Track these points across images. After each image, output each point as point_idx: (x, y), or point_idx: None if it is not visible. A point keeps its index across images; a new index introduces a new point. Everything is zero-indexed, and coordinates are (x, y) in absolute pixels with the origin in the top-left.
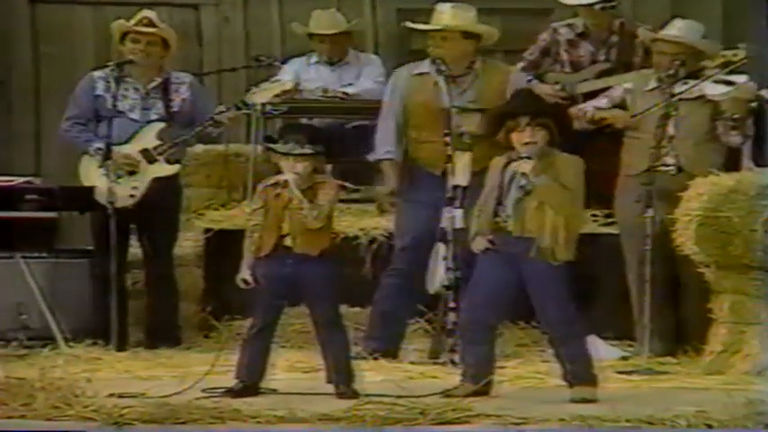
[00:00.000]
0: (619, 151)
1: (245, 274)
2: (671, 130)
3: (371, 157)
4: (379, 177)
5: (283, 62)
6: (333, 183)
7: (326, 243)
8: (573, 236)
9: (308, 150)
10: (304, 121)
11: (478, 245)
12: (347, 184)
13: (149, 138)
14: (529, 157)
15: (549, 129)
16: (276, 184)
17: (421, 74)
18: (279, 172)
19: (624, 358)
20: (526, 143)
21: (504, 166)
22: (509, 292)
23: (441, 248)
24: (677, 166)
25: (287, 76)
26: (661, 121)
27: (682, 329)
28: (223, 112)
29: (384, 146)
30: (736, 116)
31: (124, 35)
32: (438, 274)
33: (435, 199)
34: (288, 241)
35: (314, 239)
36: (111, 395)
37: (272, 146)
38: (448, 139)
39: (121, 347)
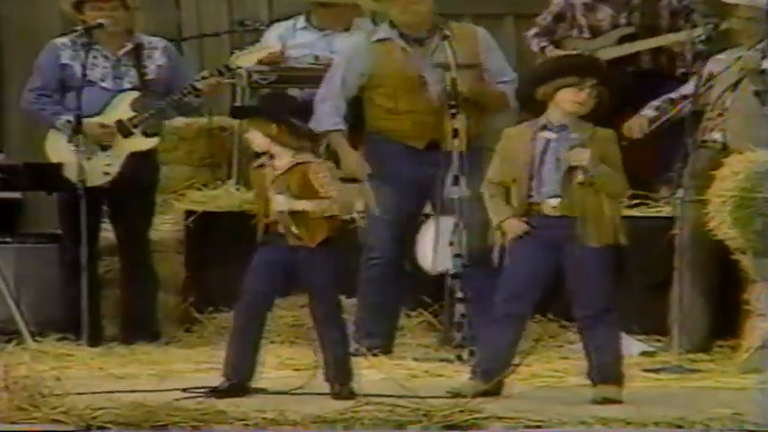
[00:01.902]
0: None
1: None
2: (727, 102)
3: (319, 128)
4: None
5: (268, 26)
6: (320, 164)
7: (326, 229)
8: (619, 215)
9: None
10: (295, 91)
11: (514, 228)
12: None
13: (123, 108)
14: (582, 145)
15: (600, 98)
16: (262, 166)
17: (382, 40)
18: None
19: (651, 354)
20: (577, 102)
21: (533, 137)
22: (549, 280)
23: (445, 223)
24: (722, 142)
25: (271, 41)
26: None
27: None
28: (205, 78)
29: (333, 117)
30: (753, 89)
31: (79, 4)
32: (444, 253)
33: (417, 175)
34: (280, 226)
35: (313, 225)
36: (83, 395)
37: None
38: (454, 111)
39: (94, 342)
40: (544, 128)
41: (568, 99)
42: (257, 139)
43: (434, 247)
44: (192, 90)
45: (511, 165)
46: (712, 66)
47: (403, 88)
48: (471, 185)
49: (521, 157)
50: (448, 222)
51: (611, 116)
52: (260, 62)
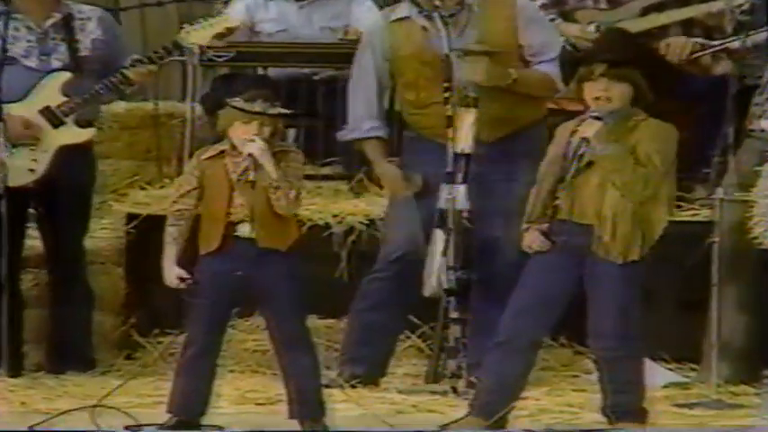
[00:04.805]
0: (689, 111)
1: (174, 270)
2: None
3: (348, 136)
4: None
5: None
6: (297, 152)
7: (295, 233)
8: (650, 229)
9: (284, 110)
10: (259, 71)
11: (532, 242)
12: None
13: (51, 92)
14: (598, 118)
15: (633, 83)
16: (221, 155)
17: (400, 19)
18: (220, 139)
19: (684, 386)
20: (597, 98)
21: (571, 133)
22: (565, 301)
23: (438, 237)
24: None
25: (236, 13)
26: None
27: None
28: (139, 62)
29: (366, 120)
30: None
31: None
32: (435, 271)
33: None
34: (245, 231)
35: (281, 228)
36: None
37: (238, 104)
38: (447, 95)
39: (15, 372)
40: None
41: (588, 95)
42: (267, 135)
43: (429, 264)
44: (123, 79)
45: (548, 163)
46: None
47: (425, 76)
48: (521, 184)
49: (554, 152)
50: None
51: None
52: (218, 37)
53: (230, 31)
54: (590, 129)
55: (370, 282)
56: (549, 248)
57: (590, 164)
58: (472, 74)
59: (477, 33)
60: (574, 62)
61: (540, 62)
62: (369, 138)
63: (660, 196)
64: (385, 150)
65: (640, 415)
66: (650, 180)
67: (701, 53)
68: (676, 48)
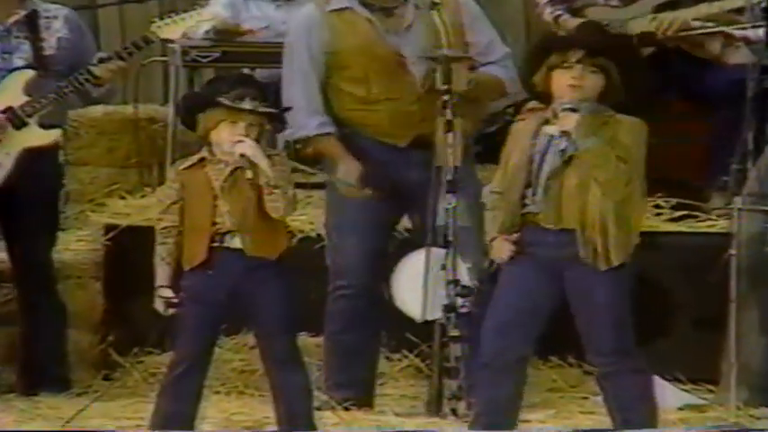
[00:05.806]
0: (699, 112)
1: (164, 292)
2: None
3: (297, 134)
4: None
5: None
6: (283, 156)
7: (285, 242)
8: (631, 230)
9: (273, 110)
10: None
11: (500, 251)
12: None
13: (14, 92)
14: (573, 110)
15: (606, 74)
16: (201, 163)
17: (340, 10)
18: (202, 146)
19: (701, 408)
20: (570, 85)
21: (535, 132)
22: (547, 311)
23: (438, 256)
24: None
25: (216, 10)
26: None
27: None
28: (107, 59)
29: (314, 116)
30: None
31: None
32: (437, 295)
33: (397, 180)
34: (234, 241)
35: (271, 236)
36: None
37: (226, 101)
38: (447, 97)
39: None
40: (548, 121)
41: (559, 83)
42: (254, 137)
43: (425, 286)
44: (90, 77)
45: (515, 168)
46: None
47: (375, 71)
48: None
49: (518, 156)
50: (440, 253)
51: (646, 103)
52: (217, 32)
53: (225, 25)
54: (568, 121)
55: (336, 300)
56: (520, 258)
57: (569, 160)
58: (458, 83)
59: (424, 30)
60: (545, 49)
61: (488, 63)
62: (322, 134)
63: (637, 195)
64: (343, 146)
65: None
66: (631, 176)
67: (692, 32)
68: (663, 22)
